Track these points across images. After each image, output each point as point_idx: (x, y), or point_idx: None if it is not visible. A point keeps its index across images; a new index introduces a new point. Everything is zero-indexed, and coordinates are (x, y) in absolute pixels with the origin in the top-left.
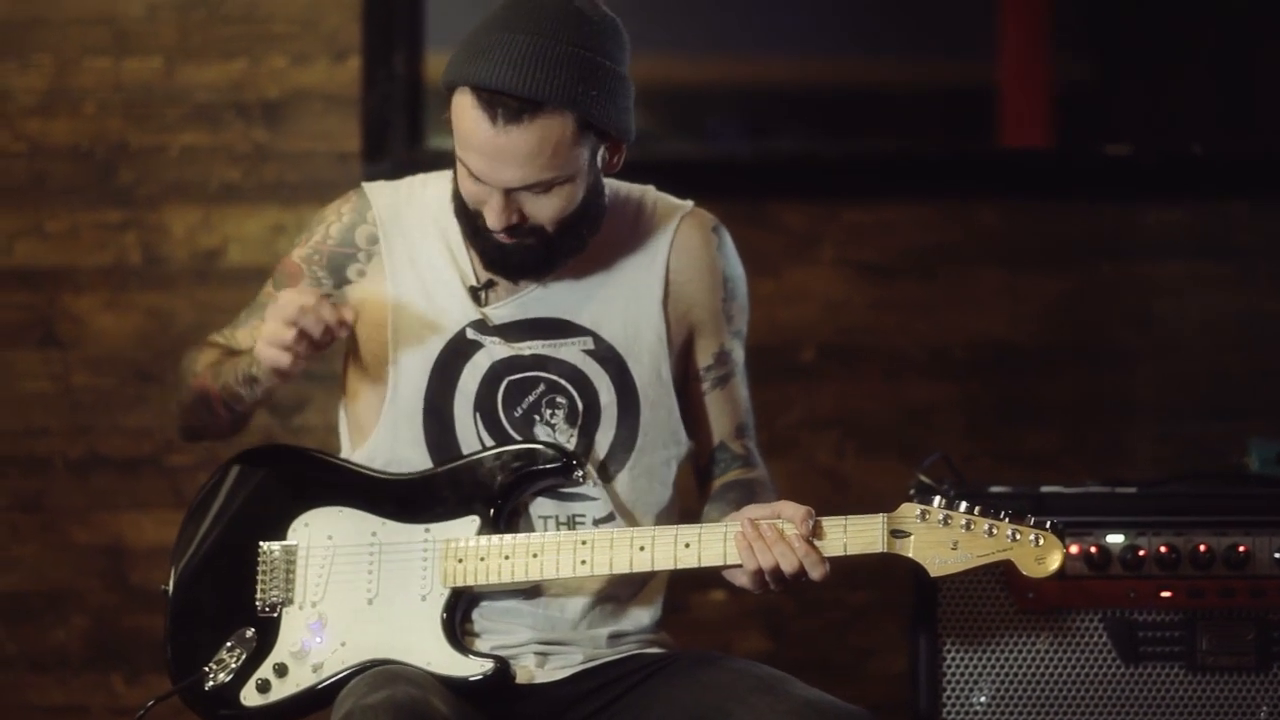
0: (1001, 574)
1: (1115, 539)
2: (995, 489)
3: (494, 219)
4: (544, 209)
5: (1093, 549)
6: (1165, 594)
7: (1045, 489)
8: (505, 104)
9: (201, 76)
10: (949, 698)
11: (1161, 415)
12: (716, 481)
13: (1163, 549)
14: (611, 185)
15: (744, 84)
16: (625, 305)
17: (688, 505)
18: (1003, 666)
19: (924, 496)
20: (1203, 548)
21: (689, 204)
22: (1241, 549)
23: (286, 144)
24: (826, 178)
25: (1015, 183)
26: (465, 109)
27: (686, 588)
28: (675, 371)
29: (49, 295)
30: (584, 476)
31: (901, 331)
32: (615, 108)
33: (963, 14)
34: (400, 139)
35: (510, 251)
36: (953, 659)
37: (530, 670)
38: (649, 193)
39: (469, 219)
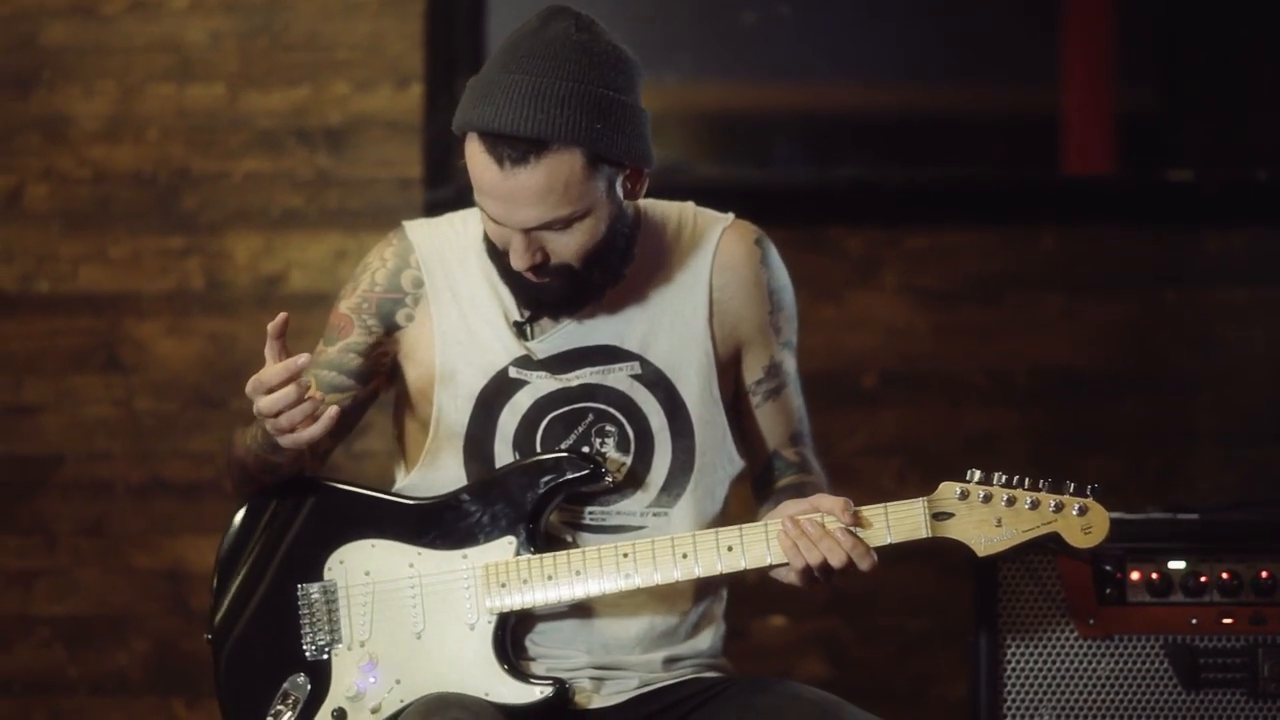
0: (1063, 600)
1: (1177, 565)
2: None
3: (517, 260)
4: (567, 246)
5: (1154, 575)
6: (1227, 620)
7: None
8: (510, 146)
9: (264, 103)
10: None
11: (1224, 441)
12: (774, 487)
13: (1225, 575)
14: (649, 204)
15: (807, 110)
16: (671, 326)
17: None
18: (1063, 693)
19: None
20: (1265, 574)
21: (729, 216)
22: None
23: (349, 170)
24: (889, 204)
25: (1078, 209)
26: (474, 154)
27: (747, 614)
28: (725, 388)
29: (112, 320)
30: (613, 480)
31: (963, 358)
32: (624, 137)
33: (1025, 41)
34: (462, 166)
35: (542, 290)
36: (1013, 685)
37: (586, 695)
38: (687, 209)
39: (500, 260)
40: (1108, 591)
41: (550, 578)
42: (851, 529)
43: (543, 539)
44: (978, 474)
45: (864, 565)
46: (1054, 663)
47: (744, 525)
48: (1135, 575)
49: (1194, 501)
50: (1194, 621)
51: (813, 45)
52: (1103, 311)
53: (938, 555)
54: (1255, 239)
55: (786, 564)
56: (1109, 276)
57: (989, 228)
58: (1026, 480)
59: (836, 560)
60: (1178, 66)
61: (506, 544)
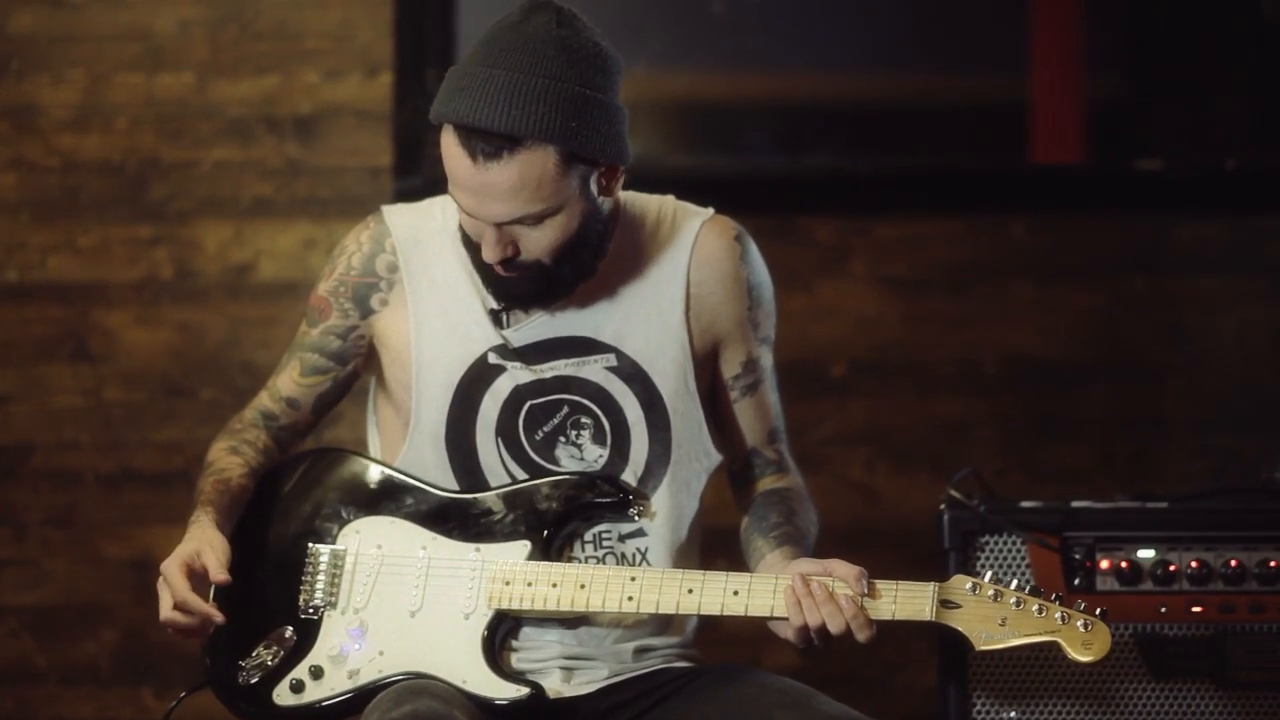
0: (1029, 582)
1: (1146, 554)
2: (1026, 504)
3: (489, 252)
4: (538, 241)
5: (1124, 564)
6: (1196, 609)
7: (1076, 504)
8: (484, 141)
9: (234, 92)
10: (979, 713)
11: (1193, 430)
12: (754, 487)
13: (1194, 564)
14: (628, 197)
15: (776, 99)
16: (647, 319)
17: (712, 521)
18: (1032, 681)
19: (972, 569)
20: (1234, 563)
21: (709, 211)
22: (1273, 564)
23: (318, 159)
24: (858, 192)
25: (1047, 198)
26: (449, 146)
27: None
28: (702, 382)
29: (81, 310)
30: (639, 514)
31: (933, 346)
32: (599, 135)
33: (995, 29)
34: (431, 155)
35: (512, 283)
36: (981, 674)
37: (556, 685)
38: (667, 202)
39: (473, 250)
40: (1077, 580)
41: (555, 585)
42: (857, 599)
43: (557, 550)
44: (991, 574)
45: (861, 636)
46: (1022, 651)
47: (754, 575)
48: (1104, 564)
49: (1163, 490)
50: (1163, 610)
51: (782, 34)
52: (1072, 300)
53: (907, 543)
54: (1225, 228)
55: (786, 619)
56: (1079, 265)
57: (958, 216)
58: (1039, 589)
59: (835, 626)
60: (1147, 54)
61: (520, 547)
